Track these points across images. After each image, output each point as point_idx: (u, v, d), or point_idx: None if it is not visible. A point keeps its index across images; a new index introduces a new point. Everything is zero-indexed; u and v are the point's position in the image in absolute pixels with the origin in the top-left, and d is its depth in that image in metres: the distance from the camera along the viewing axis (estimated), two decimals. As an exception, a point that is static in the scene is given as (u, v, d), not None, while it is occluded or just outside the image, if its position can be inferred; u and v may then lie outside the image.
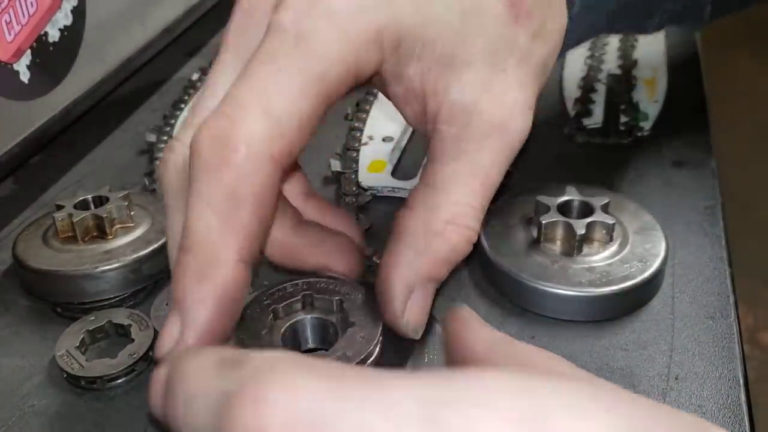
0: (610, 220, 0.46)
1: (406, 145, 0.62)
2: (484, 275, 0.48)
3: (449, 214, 0.36)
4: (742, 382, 0.40)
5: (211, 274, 0.31)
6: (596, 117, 0.64)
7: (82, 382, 0.41)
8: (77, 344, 0.43)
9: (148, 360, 0.43)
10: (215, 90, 0.36)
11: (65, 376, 0.42)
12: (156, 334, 0.43)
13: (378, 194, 0.57)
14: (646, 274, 0.44)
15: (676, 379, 0.41)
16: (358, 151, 0.60)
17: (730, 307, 0.45)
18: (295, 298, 0.38)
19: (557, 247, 0.46)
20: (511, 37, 0.37)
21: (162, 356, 0.32)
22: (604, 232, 0.46)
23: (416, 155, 0.60)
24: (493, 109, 0.36)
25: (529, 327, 0.44)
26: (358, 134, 0.62)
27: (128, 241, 0.48)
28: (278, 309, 0.37)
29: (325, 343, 0.38)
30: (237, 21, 0.37)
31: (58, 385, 0.42)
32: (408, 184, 0.56)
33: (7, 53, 0.59)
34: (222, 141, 0.31)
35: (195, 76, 0.72)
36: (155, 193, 0.56)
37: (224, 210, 0.31)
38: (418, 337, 0.38)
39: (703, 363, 0.41)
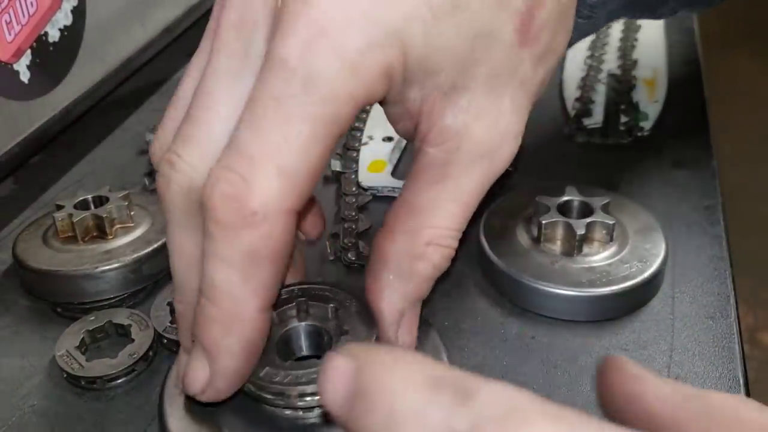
0: (610, 220, 0.46)
1: (406, 145, 0.62)
2: (484, 275, 0.48)
3: (430, 237, 0.36)
4: (742, 382, 0.40)
5: (237, 328, 0.32)
6: (596, 117, 0.64)
7: (82, 382, 0.41)
8: (77, 344, 0.43)
9: (148, 360, 0.43)
10: (210, 102, 0.33)
11: (65, 376, 0.42)
12: (156, 334, 0.43)
13: (378, 194, 0.57)
14: (646, 274, 0.44)
15: (676, 379, 0.41)
16: (358, 151, 0.60)
17: (730, 307, 0.45)
18: (290, 305, 0.38)
19: (557, 247, 0.46)
20: (514, 62, 0.35)
21: (193, 393, 0.34)
22: (604, 232, 0.46)
23: (416, 155, 0.60)
24: (484, 136, 0.36)
25: (529, 327, 0.44)
26: (358, 134, 0.62)
27: (128, 241, 0.48)
28: (272, 315, 0.37)
29: (319, 351, 0.38)
30: (229, 16, 0.34)
31: (58, 385, 0.42)
32: (408, 184, 0.56)
33: (7, 53, 0.59)
34: (238, 203, 0.30)
35: (195, 76, 0.72)
36: (155, 193, 0.56)
37: (244, 268, 0.31)
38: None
39: (703, 363, 0.41)
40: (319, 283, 0.39)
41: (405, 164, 0.60)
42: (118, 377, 0.41)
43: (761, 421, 0.21)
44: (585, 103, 0.65)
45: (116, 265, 0.46)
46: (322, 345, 0.38)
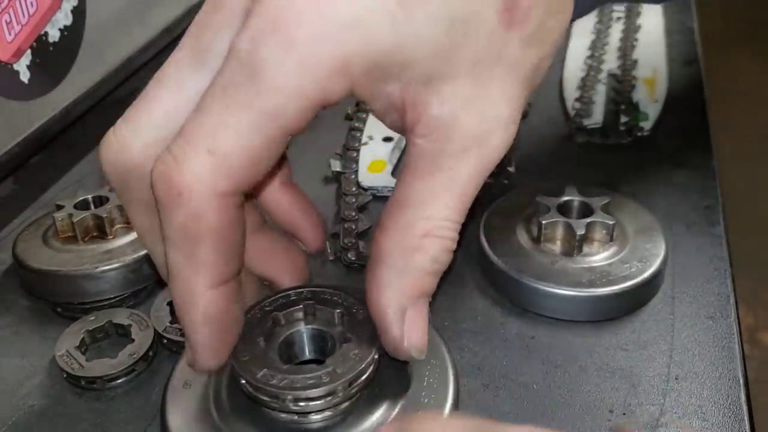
0: (610, 220, 0.46)
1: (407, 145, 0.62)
2: (484, 275, 0.48)
3: (425, 228, 0.35)
4: (742, 382, 0.40)
5: (192, 304, 0.34)
6: (596, 117, 0.64)
7: (82, 382, 0.41)
8: (77, 344, 0.43)
9: (148, 360, 0.43)
10: (159, 89, 0.35)
11: (65, 376, 0.42)
12: (156, 333, 0.43)
13: (378, 194, 0.57)
14: (646, 274, 0.44)
15: (676, 379, 0.41)
16: (358, 151, 0.60)
17: (730, 307, 0.45)
18: (297, 307, 0.38)
19: (557, 247, 0.46)
20: (500, 46, 0.34)
21: (189, 365, 0.36)
22: (604, 232, 0.46)
23: (416, 155, 0.60)
24: (473, 125, 0.34)
25: (529, 327, 0.44)
26: (358, 134, 0.62)
27: (128, 241, 0.48)
28: (279, 317, 0.37)
29: (322, 355, 0.37)
30: (202, 14, 0.35)
31: (58, 385, 0.42)
32: (408, 184, 0.56)
33: (7, 53, 0.59)
34: (168, 181, 0.32)
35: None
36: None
37: (183, 247, 0.33)
38: (423, 357, 0.36)
39: (703, 363, 0.41)
40: (330, 287, 0.39)
41: (405, 164, 0.60)
42: (118, 377, 0.41)
43: None
44: (585, 103, 0.65)
45: (116, 265, 0.46)
46: (325, 350, 0.37)
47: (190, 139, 0.32)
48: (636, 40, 0.76)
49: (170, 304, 0.44)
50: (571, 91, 0.68)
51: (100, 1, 0.69)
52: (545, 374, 0.41)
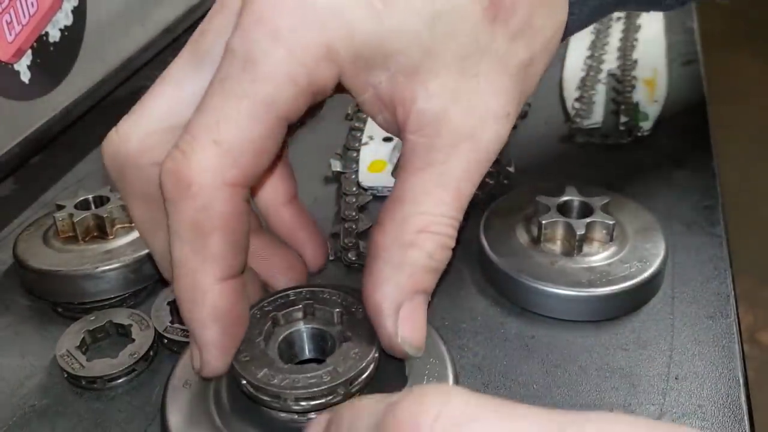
0: (610, 220, 0.46)
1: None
2: (484, 275, 0.48)
3: (421, 224, 0.35)
4: (741, 381, 0.40)
5: (200, 300, 0.34)
6: (596, 117, 0.64)
7: (83, 382, 0.41)
8: (78, 344, 0.43)
9: (149, 360, 0.43)
10: (160, 88, 0.36)
11: (66, 376, 0.42)
12: (156, 333, 0.43)
13: (378, 194, 0.57)
14: (646, 274, 0.44)
15: (676, 378, 0.41)
16: (358, 151, 0.60)
17: (730, 307, 0.45)
18: (296, 307, 0.38)
19: (557, 247, 0.46)
20: (485, 40, 0.34)
21: (197, 373, 0.36)
22: (604, 232, 0.46)
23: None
24: (462, 119, 0.35)
25: (529, 327, 0.45)
26: (358, 134, 0.62)
27: (129, 241, 0.48)
28: (278, 316, 0.37)
29: (322, 354, 0.37)
30: (205, 20, 0.36)
31: (58, 385, 0.42)
32: (408, 184, 0.56)
33: (7, 53, 0.59)
34: (177, 175, 0.32)
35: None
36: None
37: (191, 240, 0.33)
38: (419, 355, 0.36)
39: (703, 363, 0.41)
40: (329, 286, 0.39)
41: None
42: (118, 377, 0.42)
43: None
44: (585, 103, 0.65)
45: (117, 265, 0.46)
46: (325, 349, 0.37)
47: (195, 134, 0.33)
48: (636, 40, 0.76)
49: (170, 303, 0.44)
50: (571, 91, 0.68)
51: (100, 1, 0.69)
52: (545, 374, 0.41)
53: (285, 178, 0.44)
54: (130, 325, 0.44)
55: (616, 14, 0.81)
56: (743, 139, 2.30)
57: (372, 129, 0.63)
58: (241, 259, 0.34)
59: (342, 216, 0.53)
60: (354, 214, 0.53)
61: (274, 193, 0.43)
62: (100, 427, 0.40)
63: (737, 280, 0.48)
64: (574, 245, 0.45)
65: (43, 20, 0.62)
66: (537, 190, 0.49)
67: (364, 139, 0.61)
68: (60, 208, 0.49)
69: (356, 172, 0.58)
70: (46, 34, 0.63)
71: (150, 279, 0.48)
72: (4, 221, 0.56)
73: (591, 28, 0.79)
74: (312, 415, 0.35)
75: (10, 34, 0.59)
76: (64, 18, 0.65)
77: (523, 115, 0.66)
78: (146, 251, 0.47)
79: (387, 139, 0.61)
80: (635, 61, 0.71)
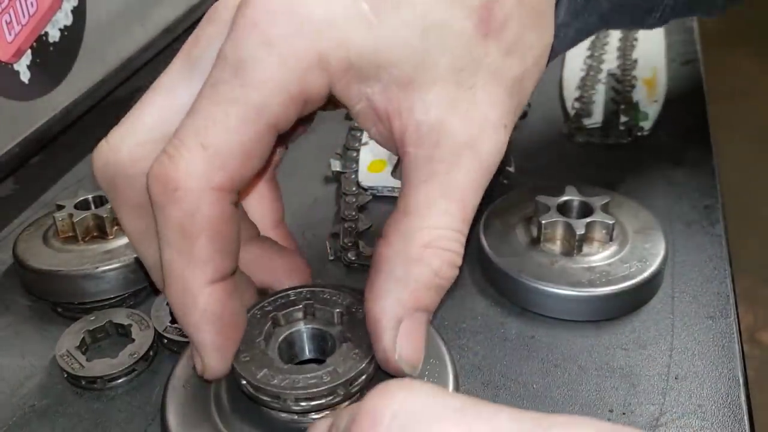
0: (609, 220, 0.46)
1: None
2: (484, 275, 0.48)
3: (427, 239, 0.34)
4: (741, 381, 0.40)
5: (190, 303, 0.34)
6: (596, 117, 0.64)
7: (83, 382, 0.41)
8: (78, 344, 0.43)
9: (149, 360, 0.43)
10: (150, 97, 0.36)
11: (66, 376, 0.42)
12: (156, 333, 0.43)
13: (378, 194, 0.57)
14: (646, 274, 0.44)
15: (676, 378, 0.41)
16: (358, 151, 0.60)
17: (730, 307, 0.45)
18: (297, 307, 0.38)
19: (557, 247, 0.46)
20: (479, 55, 0.35)
21: (200, 376, 0.36)
22: (603, 231, 0.46)
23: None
24: (461, 128, 0.34)
25: (529, 327, 0.45)
26: (358, 134, 0.62)
27: (128, 242, 0.48)
28: (278, 316, 0.37)
29: (323, 355, 0.37)
30: (197, 29, 0.36)
31: (58, 385, 0.42)
32: (408, 184, 0.56)
33: (7, 53, 0.59)
34: (163, 179, 0.32)
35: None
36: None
37: (179, 244, 0.33)
38: (416, 374, 0.35)
39: (703, 363, 0.42)
40: (329, 286, 0.39)
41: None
42: (118, 377, 0.42)
43: None
44: (585, 103, 0.65)
45: (116, 265, 0.46)
46: (325, 349, 0.37)
47: (183, 138, 0.33)
48: (635, 39, 0.76)
49: (171, 309, 0.44)
50: (570, 91, 0.68)
51: (100, 1, 0.69)
52: (545, 374, 0.41)
53: (273, 202, 0.44)
54: (130, 325, 0.44)
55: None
56: (743, 139, 2.30)
57: (372, 129, 0.63)
58: (231, 262, 0.34)
59: (342, 216, 0.53)
60: (354, 213, 0.53)
61: (261, 219, 0.43)
62: (100, 427, 0.40)
63: (737, 279, 0.48)
64: (574, 245, 0.45)
65: (42, 20, 0.62)
66: (537, 190, 0.49)
67: (364, 139, 0.61)
68: (60, 208, 0.49)
69: (356, 172, 0.58)
70: (46, 34, 0.63)
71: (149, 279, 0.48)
72: (4, 221, 0.56)
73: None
74: (313, 416, 0.35)
75: (10, 34, 0.59)
76: (64, 18, 0.65)
77: (522, 115, 0.66)
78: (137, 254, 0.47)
79: (387, 139, 0.61)
80: (635, 61, 0.71)
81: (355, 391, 0.34)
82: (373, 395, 0.25)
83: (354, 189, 0.56)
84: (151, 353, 0.43)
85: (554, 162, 0.60)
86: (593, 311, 0.44)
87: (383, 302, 0.34)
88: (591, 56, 0.73)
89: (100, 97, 0.72)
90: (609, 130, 0.62)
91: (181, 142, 0.33)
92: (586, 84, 0.68)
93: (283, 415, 0.35)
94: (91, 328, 0.44)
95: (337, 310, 0.37)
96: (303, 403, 0.34)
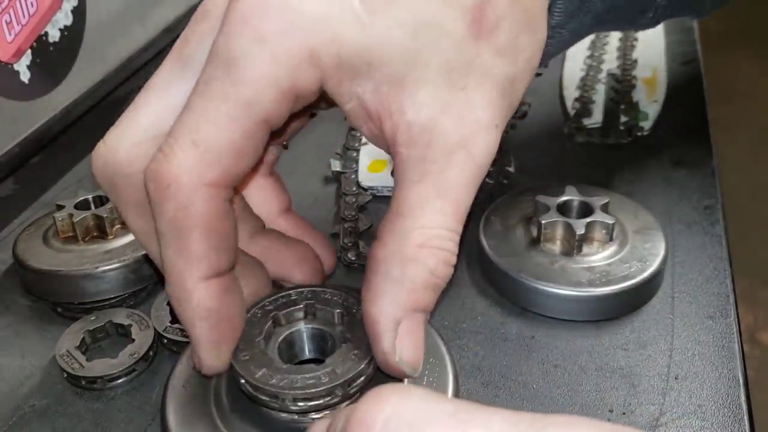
0: (609, 220, 0.46)
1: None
2: (484, 275, 0.48)
3: (422, 238, 0.34)
4: (741, 381, 0.40)
5: (186, 299, 0.34)
6: (596, 117, 0.64)
7: (83, 382, 0.41)
8: (78, 344, 0.43)
9: (149, 360, 0.43)
10: (144, 96, 0.37)
11: (66, 376, 0.42)
12: (156, 333, 0.43)
13: (378, 194, 0.57)
14: (646, 274, 0.44)
15: (675, 378, 0.41)
16: (358, 151, 0.60)
17: (730, 307, 0.45)
18: (297, 307, 0.38)
19: (557, 247, 0.46)
20: (470, 55, 0.35)
21: (197, 370, 0.36)
22: (603, 231, 0.46)
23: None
24: (453, 128, 0.34)
25: (529, 327, 0.45)
26: (358, 134, 0.62)
27: (128, 241, 0.48)
28: (279, 316, 0.37)
29: (323, 355, 0.37)
30: (188, 27, 0.37)
31: (58, 385, 0.42)
32: (408, 184, 0.56)
33: (7, 53, 0.59)
34: (158, 176, 0.33)
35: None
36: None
37: (174, 240, 0.34)
38: (416, 375, 0.35)
39: (703, 363, 0.42)
40: (330, 286, 0.39)
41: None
42: (118, 377, 0.42)
43: None
44: (585, 103, 0.65)
45: (116, 265, 0.46)
46: (325, 349, 0.37)
47: (177, 136, 0.33)
48: (635, 39, 0.76)
49: (170, 304, 0.44)
50: (570, 91, 0.68)
51: (100, 1, 0.69)
52: (545, 374, 0.41)
53: (278, 192, 0.44)
54: (130, 325, 0.44)
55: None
56: (743, 139, 2.30)
57: (372, 129, 0.63)
58: (226, 259, 0.35)
59: (342, 216, 0.53)
60: (354, 214, 0.53)
61: (268, 207, 0.43)
62: (100, 427, 0.40)
63: (737, 280, 0.48)
64: (574, 245, 0.45)
65: (42, 20, 0.62)
66: (537, 190, 0.49)
67: (364, 139, 0.61)
68: (60, 208, 0.49)
69: (356, 171, 0.58)
70: (46, 34, 0.63)
71: (150, 279, 0.48)
72: (4, 221, 0.56)
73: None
74: (312, 416, 0.35)
75: (10, 34, 0.59)
76: (64, 18, 0.65)
77: (522, 115, 0.66)
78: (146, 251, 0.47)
79: (387, 139, 0.61)
80: (635, 61, 0.71)
81: (353, 392, 0.34)
82: (366, 400, 0.25)
83: (354, 189, 0.56)
84: (151, 353, 0.43)
85: (554, 162, 0.60)
86: (593, 311, 0.44)
87: (381, 304, 0.34)
88: (591, 56, 0.73)
89: (100, 97, 0.72)
90: (609, 130, 0.62)
91: (175, 140, 0.33)
92: (586, 84, 0.68)
93: (282, 414, 0.35)
94: (91, 328, 0.44)
95: (338, 310, 0.37)
96: (301, 403, 0.34)
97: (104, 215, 0.48)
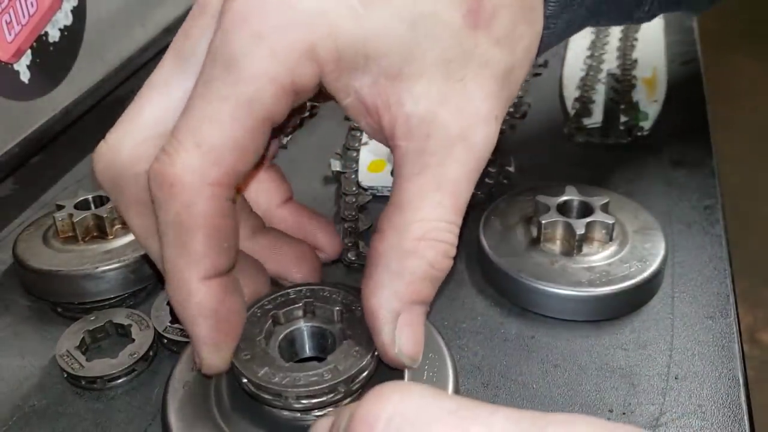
0: (609, 220, 0.46)
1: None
2: (484, 275, 0.48)
3: (420, 231, 0.34)
4: (741, 381, 0.40)
5: (187, 299, 0.34)
6: (596, 117, 0.64)
7: (83, 382, 0.41)
8: (78, 344, 0.43)
9: (149, 360, 0.43)
10: (145, 95, 0.37)
11: (65, 376, 0.42)
12: (156, 333, 0.43)
13: (378, 194, 0.57)
14: (646, 274, 0.44)
15: (675, 378, 0.41)
16: (358, 150, 0.60)
17: (730, 307, 0.45)
18: (297, 305, 0.38)
19: (557, 246, 0.46)
20: (468, 46, 0.34)
21: (198, 369, 0.36)
22: (603, 231, 0.46)
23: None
24: (452, 120, 0.34)
25: (529, 327, 0.45)
26: (358, 134, 0.62)
27: (128, 241, 0.48)
28: (278, 315, 0.37)
29: (323, 352, 0.37)
30: (185, 23, 0.36)
31: (58, 385, 0.42)
32: (408, 184, 0.56)
33: (7, 53, 0.59)
34: (161, 177, 0.33)
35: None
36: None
37: (176, 239, 0.33)
38: (416, 366, 0.36)
39: (703, 363, 0.42)
40: (329, 284, 0.39)
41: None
42: (118, 377, 0.42)
43: None
44: (585, 103, 0.65)
45: (116, 265, 0.46)
46: (326, 347, 0.37)
47: (180, 137, 0.33)
48: (635, 39, 0.76)
49: (170, 303, 0.44)
50: (570, 91, 0.68)
51: (100, 1, 0.69)
52: (545, 374, 0.41)
53: (278, 183, 0.44)
54: (130, 325, 0.44)
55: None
56: (743, 139, 2.30)
57: (372, 129, 0.63)
58: (227, 259, 0.35)
59: (342, 216, 0.53)
60: (354, 214, 0.53)
61: (269, 198, 0.44)
62: (100, 427, 0.40)
63: (737, 280, 0.48)
64: (574, 245, 0.45)
65: (42, 20, 0.62)
66: (537, 190, 0.49)
67: (364, 139, 0.61)
68: (60, 208, 0.49)
69: (356, 171, 0.58)
70: (46, 33, 0.63)
71: (150, 279, 0.48)
72: (4, 221, 0.56)
73: (591, 27, 0.79)
74: (314, 413, 0.35)
75: (10, 34, 0.59)
76: (64, 18, 0.65)
77: (522, 115, 0.66)
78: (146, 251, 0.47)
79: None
80: (635, 61, 0.71)
81: (356, 389, 0.34)
82: (369, 398, 0.25)
83: (354, 189, 0.56)
84: (151, 353, 0.43)
85: (554, 162, 0.60)
86: (593, 311, 0.44)
87: (380, 296, 0.34)
88: (591, 56, 0.73)
89: (100, 97, 0.72)
90: (609, 130, 0.62)
91: (178, 142, 0.33)
92: (586, 84, 0.68)
93: (285, 413, 0.35)
94: (91, 328, 0.44)
95: (337, 307, 0.37)
96: (304, 401, 0.34)
97: (104, 215, 0.48)
